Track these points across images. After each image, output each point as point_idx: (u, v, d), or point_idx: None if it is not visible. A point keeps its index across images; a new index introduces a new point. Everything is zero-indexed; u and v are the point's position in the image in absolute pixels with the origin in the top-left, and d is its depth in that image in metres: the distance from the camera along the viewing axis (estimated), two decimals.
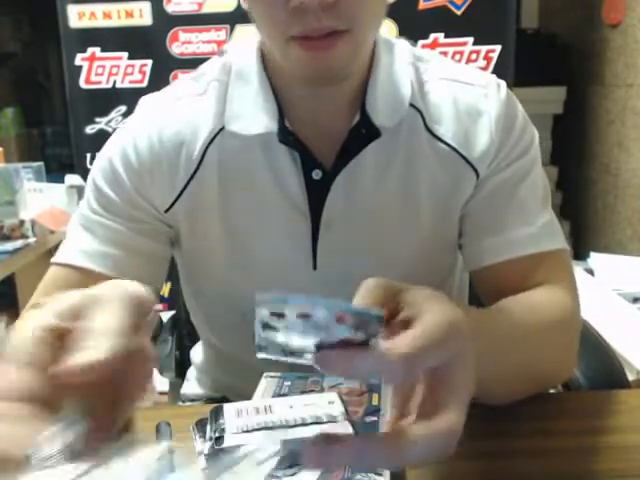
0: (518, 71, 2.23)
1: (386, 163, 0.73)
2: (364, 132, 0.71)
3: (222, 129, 0.72)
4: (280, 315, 0.34)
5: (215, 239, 0.75)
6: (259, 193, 0.73)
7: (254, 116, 0.72)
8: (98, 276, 0.69)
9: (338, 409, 0.56)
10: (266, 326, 0.34)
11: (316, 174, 0.72)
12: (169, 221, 0.75)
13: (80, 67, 2.34)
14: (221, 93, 0.74)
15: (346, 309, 0.34)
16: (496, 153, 0.73)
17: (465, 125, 0.73)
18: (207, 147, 0.72)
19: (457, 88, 0.74)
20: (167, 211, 0.74)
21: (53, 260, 0.73)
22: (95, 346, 0.35)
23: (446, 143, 0.73)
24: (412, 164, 0.73)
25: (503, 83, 0.77)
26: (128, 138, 0.74)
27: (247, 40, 0.78)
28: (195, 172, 0.73)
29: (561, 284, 0.71)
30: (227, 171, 0.73)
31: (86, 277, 0.70)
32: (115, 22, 2.31)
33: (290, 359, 0.35)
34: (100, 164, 0.75)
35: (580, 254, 2.47)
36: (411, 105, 0.73)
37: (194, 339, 0.97)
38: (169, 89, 0.79)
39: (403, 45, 0.77)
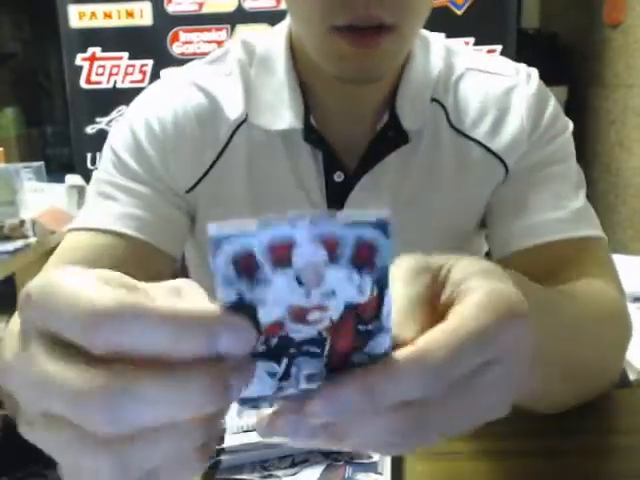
0: None
1: (407, 167, 0.71)
2: (391, 136, 0.69)
3: (247, 118, 0.70)
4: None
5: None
6: (280, 189, 0.71)
7: (278, 111, 0.69)
8: (123, 238, 0.67)
9: None
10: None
11: (338, 176, 0.70)
12: (189, 202, 0.72)
13: (80, 67, 2.34)
14: (245, 77, 0.71)
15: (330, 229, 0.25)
16: (527, 141, 0.70)
17: (493, 117, 0.71)
18: (234, 132, 0.70)
19: (486, 79, 0.72)
20: (189, 191, 0.71)
21: (71, 227, 0.70)
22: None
23: (471, 138, 0.71)
24: (433, 167, 0.71)
25: (534, 72, 0.74)
26: (151, 109, 0.71)
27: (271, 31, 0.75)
28: (221, 153, 0.70)
29: (603, 277, 0.65)
30: (253, 160, 0.71)
31: (111, 239, 0.67)
32: (116, 22, 2.31)
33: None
34: (121, 134, 0.71)
35: None
36: (435, 100, 0.71)
37: None
38: (193, 65, 0.75)
39: (437, 41, 0.75)
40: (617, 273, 0.69)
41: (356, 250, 0.26)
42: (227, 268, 0.25)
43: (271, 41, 0.72)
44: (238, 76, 0.71)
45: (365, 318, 0.27)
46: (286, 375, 0.27)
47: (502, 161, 0.71)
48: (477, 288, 0.30)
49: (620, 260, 2.18)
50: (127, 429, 0.23)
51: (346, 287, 0.26)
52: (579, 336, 0.51)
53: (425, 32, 0.74)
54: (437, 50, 0.73)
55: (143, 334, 0.23)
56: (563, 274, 0.65)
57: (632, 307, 1.71)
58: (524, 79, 0.73)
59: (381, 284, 0.26)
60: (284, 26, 0.73)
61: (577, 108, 2.84)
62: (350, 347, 0.27)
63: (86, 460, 0.24)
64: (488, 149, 0.71)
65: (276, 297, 0.26)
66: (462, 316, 0.28)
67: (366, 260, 0.26)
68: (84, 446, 0.24)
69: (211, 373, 0.24)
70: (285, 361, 0.27)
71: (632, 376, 1.32)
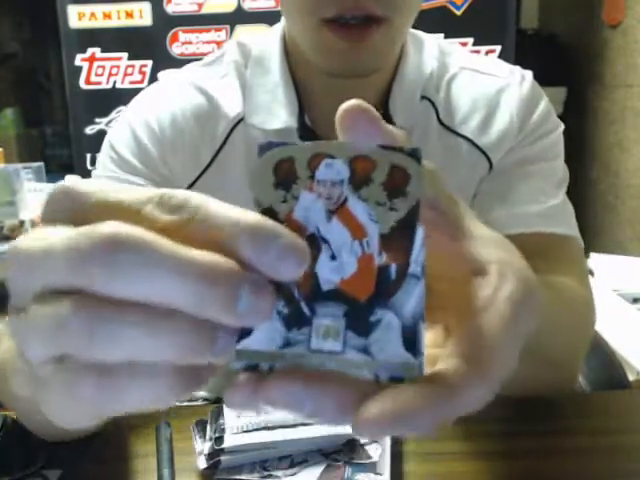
0: None
1: None
2: None
3: (244, 118, 0.71)
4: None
5: None
6: None
7: (273, 110, 0.70)
8: None
9: None
10: None
11: None
12: None
13: (80, 67, 2.33)
14: (241, 78, 0.72)
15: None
16: (515, 138, 0.72)
17: (483, 114, 0.72)
18: (232, 130, 0.71)
19: (479, 78, 0.73)
20: (189, 188, 0.72)
21: None
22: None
23: (459, 134, 0.72)
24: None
25: (529, 74, 0.75)
26: (150, 109, 0.72)
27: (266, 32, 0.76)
28: (219, 150, 0.71)
29: (571, 275, 0.67)
30: (251, 157, 0.71)
31: None
32: (115, 23, 2.31)
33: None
34: (121, 134, 0.72)
35: None
36: (425, 98, 0.71)
37: None
38: (189, 68, 0.77)
39: (432, 41, 0.75)
40: (587, 274, 0.71)
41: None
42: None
43: (266, 42, 0.73)
44: (234, 77, 0.73)
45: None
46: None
47: (486, 156, 0.72)
48: (507, 271, 0.30)
49: (619, 261, 2.20)
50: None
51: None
52: (548, 324, 0.53)
53: (419, 33, 0.75)
54: (430, 50, 0.74)
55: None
56: (533, 268, 0.66)
57: (631, 308, 1.71)
58: (517, 80, 0.74)
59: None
60: (278, 27, 0.74)
61: (576, 108, 2.84)
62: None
63: (78, 328, 0.22)
64: (474, 144, 0.72)
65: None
66: (500, 315, 0.27)
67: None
68: (81, 313, 0.22)
69: (196, 322, 0.22)
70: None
71: (631, 376, 1.32)
